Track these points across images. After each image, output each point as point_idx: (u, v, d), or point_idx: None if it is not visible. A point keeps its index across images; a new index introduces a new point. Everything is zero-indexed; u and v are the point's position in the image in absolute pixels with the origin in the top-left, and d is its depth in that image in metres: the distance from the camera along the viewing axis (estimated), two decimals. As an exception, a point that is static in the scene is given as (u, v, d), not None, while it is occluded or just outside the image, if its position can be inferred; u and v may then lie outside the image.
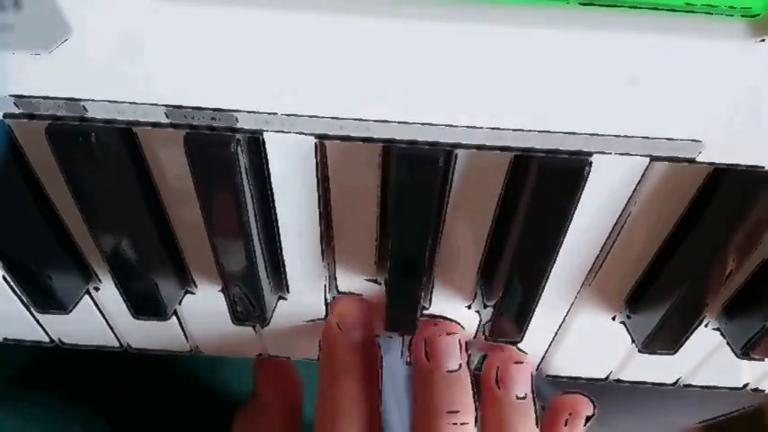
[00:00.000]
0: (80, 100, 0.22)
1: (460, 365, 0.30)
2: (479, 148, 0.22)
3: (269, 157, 0.24)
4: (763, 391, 0.34)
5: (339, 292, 0.30)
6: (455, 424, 0.29)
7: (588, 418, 0.33)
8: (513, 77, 0.21)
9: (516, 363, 0.32)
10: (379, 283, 0.30)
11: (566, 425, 0.33)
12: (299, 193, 0.25)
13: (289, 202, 0.26)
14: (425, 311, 0.31)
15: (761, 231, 0.24)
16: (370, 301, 0.30)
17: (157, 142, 0.23)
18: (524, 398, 0.31)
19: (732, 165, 0.22)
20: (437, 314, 0.31)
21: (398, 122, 0.22)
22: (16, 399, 0.40)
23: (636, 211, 0.25)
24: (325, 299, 0.31)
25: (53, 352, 0.34)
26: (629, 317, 0.30)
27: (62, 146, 0.22)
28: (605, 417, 0.35)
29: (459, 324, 0.31)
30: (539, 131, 0.22)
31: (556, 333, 0.32)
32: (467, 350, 0.31)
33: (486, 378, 0.32)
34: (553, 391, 0.35)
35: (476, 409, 0.30)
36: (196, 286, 0.30)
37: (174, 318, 0.32)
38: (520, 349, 0.32)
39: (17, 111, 0.22)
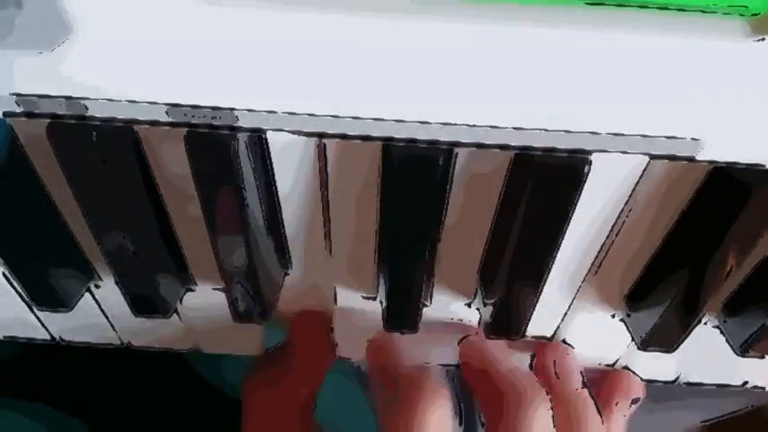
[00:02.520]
0: (81, 98, 0.22)
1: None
2: (480, 146, 0.23)
3: (270, 155, 0.24)
4: (763, 388, 0.34)
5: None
6: None
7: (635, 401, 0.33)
8: (515, 76, 0.21)
9: (569, 354, 0.32)
10: (379, 301, 0.30)
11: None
12: (299, 191, 0.25)
13: (290, 200, 0.26)
14: (426, 308, 0.31)
15: (760, 230, 0.24)
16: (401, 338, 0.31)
17: (158, 141, 0.24)
18: (584, 388, 0.32)
19: (731, 163, 0.22)
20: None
21: (399, 121, 0.22)
22: (17, 397, 0.40)
23: (635, 210, 0.25)
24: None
25: (54, 350, 0.34)
26: (628, 315, 0.30)
27: (63, 144, 0.23)
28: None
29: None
30: (539, 129, 0.22)
31: (556, 331, 0.32)
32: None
33: (544, 373, 0.32)
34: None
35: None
36: (197, 284, 0.30)
37: (174, 315, 0.32)
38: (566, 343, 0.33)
39: (18, 109, 0.22)
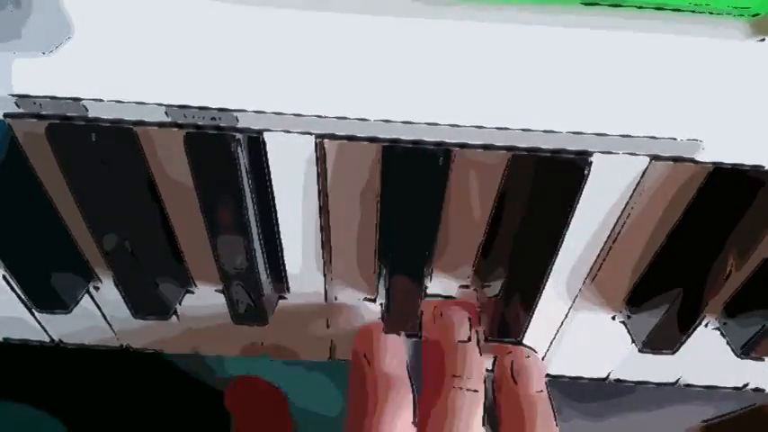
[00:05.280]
0: (80, 99, 0.22)
1: (469, 338, 0.30)
2: (480, 147, 0.22)
3: (269, 156, 0.24)
4: (764, 390, 0.34)
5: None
6: (461, 388, 0.29)
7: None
8: (514, 77, 0.21)
9: (529, 357, 0.32)
10: (376, 302, 0.30)
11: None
12: (298, 193, 0.25)
13: (288, 202, 0.26)
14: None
15: (761, 231, 0.24)
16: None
17: (158, 142, 0.24)
18: (541, 392, 0.31)
19: (732, 164, 0.22)
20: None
21: (399, 122, 0.22)
22: (16, 399, 0.40)
23: (636, 211, 0.25)
24: (325, 298, 0.31)
25: (53, 352, 0.34)
26: (629, 317, 0.30)
27: (62, 145, 0.22)
28: (605, 416, 0.35)
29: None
30: (539, 131, 0.22)
31: (556, 332, 0.32)
32: (477, 325, 0.31)
33: (502, 374, 0.32)
34: (554, 392, 0.35)
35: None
36: (196, 286, 0.30)
37: (174, 317, 0.32)
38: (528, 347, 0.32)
39: (18, 110, 0.22)
